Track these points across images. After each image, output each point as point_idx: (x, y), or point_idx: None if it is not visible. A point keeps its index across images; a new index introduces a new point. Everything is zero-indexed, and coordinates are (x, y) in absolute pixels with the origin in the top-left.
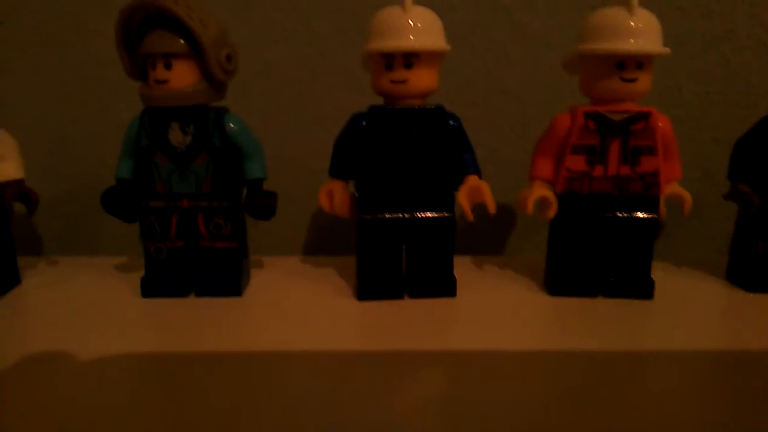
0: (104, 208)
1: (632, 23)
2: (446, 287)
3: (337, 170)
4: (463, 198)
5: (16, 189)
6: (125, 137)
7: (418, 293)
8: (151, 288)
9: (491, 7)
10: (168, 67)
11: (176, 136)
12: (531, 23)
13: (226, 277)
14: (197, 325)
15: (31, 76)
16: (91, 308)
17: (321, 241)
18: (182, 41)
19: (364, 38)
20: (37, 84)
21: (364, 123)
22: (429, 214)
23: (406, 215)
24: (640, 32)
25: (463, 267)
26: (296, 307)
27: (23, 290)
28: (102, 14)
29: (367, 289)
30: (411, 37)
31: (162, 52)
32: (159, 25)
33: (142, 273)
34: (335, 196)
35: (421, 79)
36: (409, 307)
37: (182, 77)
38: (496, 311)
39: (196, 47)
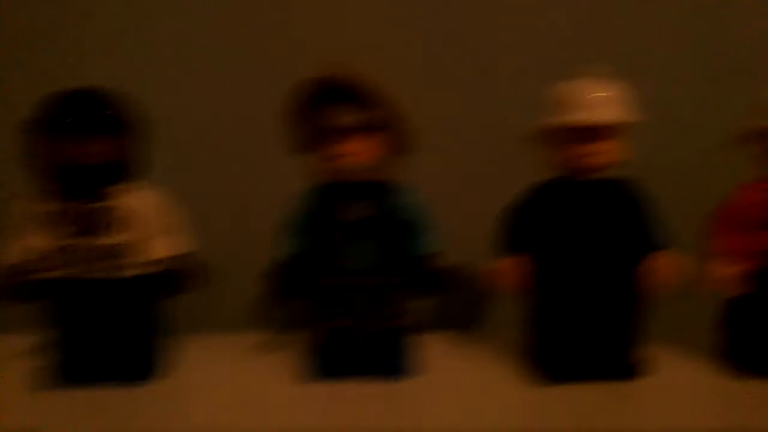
0: (274, 288)
1: None
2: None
3: (513, 245)
4: (646, 276)
5: (188, 263)
6: (294, 211)
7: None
8: (318, 370)
9: None
10: (348, 140)
11: (352, 211)
12: None
13: (394, 358)
14: (367, 408)
15: None
16: (249, 393)
17: None
18: (365, 114)
19: (544, 111)
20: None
21: (543, 195)
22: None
23: (587, 291)
24: None
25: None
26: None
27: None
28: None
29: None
30: (600, 110)
31: (344, 125)
32: (340, 98)
33: (301, 355)
34: (512, 273)
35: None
36: None
37: (362, 151)
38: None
39: (379, 120)
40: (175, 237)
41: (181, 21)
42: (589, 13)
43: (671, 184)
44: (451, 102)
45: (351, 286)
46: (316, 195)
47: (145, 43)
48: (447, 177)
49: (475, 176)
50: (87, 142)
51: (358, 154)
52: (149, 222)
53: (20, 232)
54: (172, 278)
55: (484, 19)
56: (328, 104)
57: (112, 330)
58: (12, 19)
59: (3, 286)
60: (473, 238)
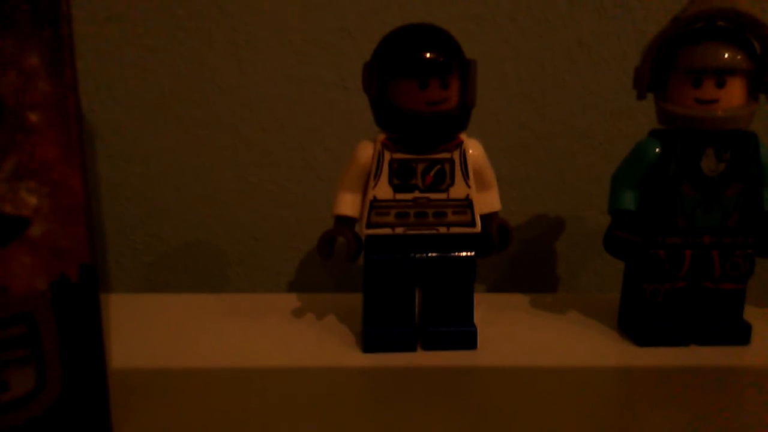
0: (607, 249)
1: None
2: None
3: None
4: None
5: (498, 222)
6: (633, 161)
7: None
8: (648, 333)
9: None
10: (720, 85)
11: (710, 164)
12: None
13: (730, 324)
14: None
15: None
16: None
17: None
18: (745, 55)
19: None
20: None
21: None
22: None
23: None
24: None
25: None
26: None
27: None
28: None
29: None
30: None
31: (720, 67)
32: (714, 36)
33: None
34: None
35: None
36: None
37: (734, 97)
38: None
39: (757, 61)
40: (495, 192)
41: None
42: None
43: None
44: None
45: (695, 244)
46: (664, 144)
47: None
48: None
49: None
50: (440, 86)
51: (730, 100)
52: (479, 176)
53: (356, 182)
54: (499, 236)
55: None
56: (705, 42)
57: (439, 292)
58: None
59: (328, 241)
60: None
